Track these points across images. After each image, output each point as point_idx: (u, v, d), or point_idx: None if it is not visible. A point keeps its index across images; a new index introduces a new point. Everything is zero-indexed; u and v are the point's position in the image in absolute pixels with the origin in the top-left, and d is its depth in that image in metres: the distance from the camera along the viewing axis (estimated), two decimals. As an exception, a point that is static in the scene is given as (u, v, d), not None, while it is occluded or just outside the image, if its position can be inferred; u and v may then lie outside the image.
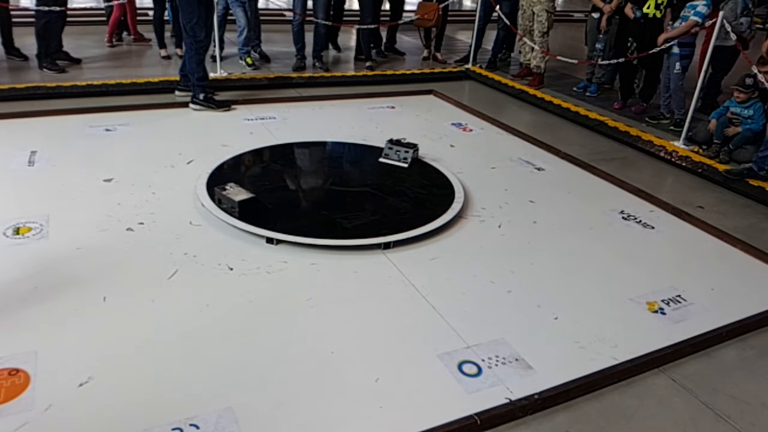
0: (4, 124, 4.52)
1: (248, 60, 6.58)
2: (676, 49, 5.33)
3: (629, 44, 5.76)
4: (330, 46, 7.61)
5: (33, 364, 2.19)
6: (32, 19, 6.03)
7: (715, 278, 3.17)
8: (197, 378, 2.20)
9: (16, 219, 3.18)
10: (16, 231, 3.07)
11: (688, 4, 5.29)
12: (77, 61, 6.22)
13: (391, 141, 4.27)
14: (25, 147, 4.10)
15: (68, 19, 6.34)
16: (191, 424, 1.99)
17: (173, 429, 1.97)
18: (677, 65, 5.36)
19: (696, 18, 5.17)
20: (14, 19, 6.23)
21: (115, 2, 6.78)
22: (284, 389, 2.18)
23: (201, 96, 5.15)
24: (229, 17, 6.64)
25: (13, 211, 3.27)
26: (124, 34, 7.44)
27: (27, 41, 6.32)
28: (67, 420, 1.98)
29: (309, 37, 6.74)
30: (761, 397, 2.36)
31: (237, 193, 3.32)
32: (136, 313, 2.53)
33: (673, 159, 4.76)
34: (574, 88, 6.65)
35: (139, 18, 7.57)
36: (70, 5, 6.54)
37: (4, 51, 6.15)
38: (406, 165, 4.13)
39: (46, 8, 5.62)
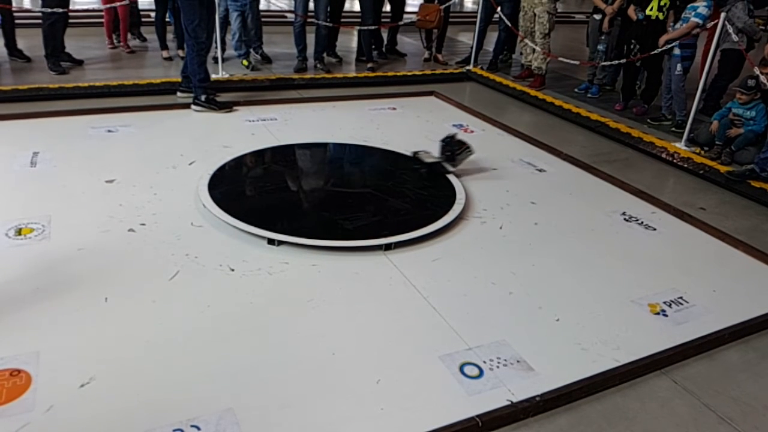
0: (7, 125, 4.53)
1: (244, 62, 6.60)
2: (677, 51, 5.33)
3: (632, 46, 5.75)
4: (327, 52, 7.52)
5: (34, 365, 2.19)
6: (35, 21, 6.04)
7: (717, 280, 3.16)
8: (198, 379, 2.20)
9: (18, 220, 3.18)
10: (18, 232, 3.08)
11: (688, 6, 5.30)
12: (79, 63, 6.24)
13: (447, 143, 4.12)
14: (28, 148, 4.10)
15: (71, 20, 6.36)
16: (192, 425, 1.99)
17: (174, 430, 1.97)
18: (678, 66, 5.36)
19: (696, 19, 5.17)
20: (17, 21, 6.24)
21: (107, 6, 6.76)
22: (285, 390, 2.18)
23: (203, 97, 5.15)
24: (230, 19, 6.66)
25: (15, 211, 3.27)
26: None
27: (30, 42, 6.34)
28: (68, 421, 1.98)
29: (310, 39, 6.75)
30: (763, 399, 2.36)
31: (426, 157, 4.12)
32: (137, 314, 2.53)
33: (674, 160, 4.75)
34: (576, 90, 6.65)
35: (141, 19, 7.56)
36: (72, 7, 6.54)
37: (6, 52, 6.16)
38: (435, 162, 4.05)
39: (49, 10, 5.63)
